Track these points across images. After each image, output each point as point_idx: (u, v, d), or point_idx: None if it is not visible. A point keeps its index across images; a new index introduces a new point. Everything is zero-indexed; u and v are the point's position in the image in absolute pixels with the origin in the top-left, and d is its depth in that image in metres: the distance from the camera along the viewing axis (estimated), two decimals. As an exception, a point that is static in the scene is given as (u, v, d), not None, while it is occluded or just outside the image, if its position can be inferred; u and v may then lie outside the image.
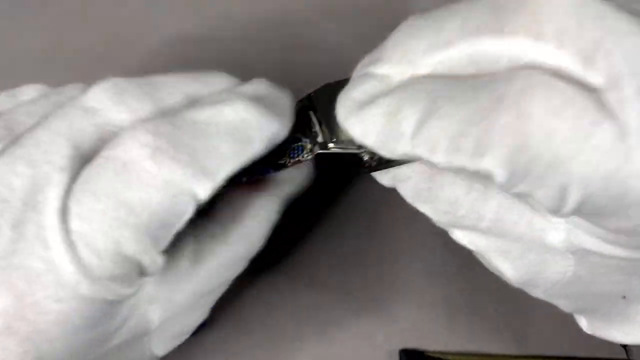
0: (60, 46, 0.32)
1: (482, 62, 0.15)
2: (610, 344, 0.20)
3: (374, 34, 0.32)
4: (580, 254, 0.17)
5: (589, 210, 0.14)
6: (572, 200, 0.14)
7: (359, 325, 0.28)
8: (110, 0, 0.32)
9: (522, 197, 0.16)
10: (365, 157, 0.19)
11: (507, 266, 0.18)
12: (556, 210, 0.15)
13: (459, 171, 0.15)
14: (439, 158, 0.15)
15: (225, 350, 0.27)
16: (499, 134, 0.14)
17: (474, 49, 0.15)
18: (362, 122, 0.16)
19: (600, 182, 0.13)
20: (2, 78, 0.31)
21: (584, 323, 0.20)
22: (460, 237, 0.19)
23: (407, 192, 0.19)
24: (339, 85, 0.18)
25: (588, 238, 0.16)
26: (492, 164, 0.14)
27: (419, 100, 0.15)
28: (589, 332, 0.20)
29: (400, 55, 0.17)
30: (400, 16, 0.32)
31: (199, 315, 0.21)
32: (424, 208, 0.19)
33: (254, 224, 0.20)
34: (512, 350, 0.27)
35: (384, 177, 0.20)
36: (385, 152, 0.16)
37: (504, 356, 0.27)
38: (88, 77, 0.32)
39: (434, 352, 0.27)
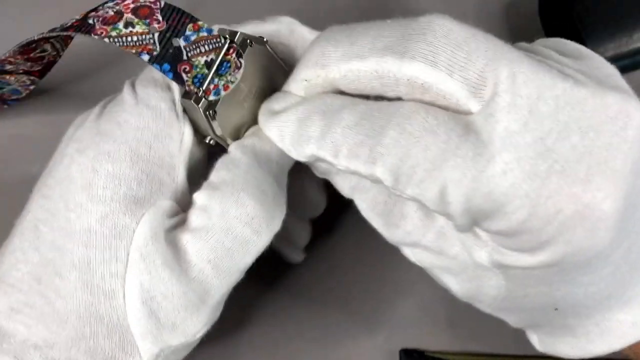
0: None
1: (385, 79, 0.17)
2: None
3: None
4: (503, 269, 0.18)
5: (474, 213, 0.17)
6: (453, 201, 0.16)
7: (359, 325, 0.28)
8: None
9: (414, 201, 0.18)
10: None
11: (452, 281, 0.20)
12: (444, 212, 0.17)
13: (354, 174, 0.18)
14: (340, 162, 0.18)
15: (226, 351, 0.27)
16: (387, 147, 0.17)
17: (380, 66, 0.17)
18: (278, 126, 0.19)
19: (470, 183, 0.16)
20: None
21: (535, 340, 0.21)
22: (409, 254, 0.20)
23: (363, 204, 0.21)
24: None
25: (503, 252, 0.18)
26: (381, 170, 0.17)
27: (325, 110, 0.18)
28: (540, 349, 0.21)
29: (316, 59, 0.19)
30: (400, 15, 0.32)
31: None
32: (376, 222, 0.20)
33: None
34: (512, 350, 0.27)
35: (344, 187, 0.21)
36: (296, 155, 0.19)
37: (503, 356, 0.27)
38: (88, 76, 0.32)
39: (434, 351, 0.27)
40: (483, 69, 0.16)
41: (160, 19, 0.19)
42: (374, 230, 0.22)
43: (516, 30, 0.31)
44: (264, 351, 0.28)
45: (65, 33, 0.20)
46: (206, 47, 0.20)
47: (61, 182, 0.19)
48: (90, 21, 0.19)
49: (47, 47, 0.24)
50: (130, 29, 0.19)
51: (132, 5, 0.19)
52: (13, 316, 0.18)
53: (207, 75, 0.19)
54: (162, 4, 0.19)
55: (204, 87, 0.19)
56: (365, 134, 0.17)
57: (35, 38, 0.22)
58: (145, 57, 0.18)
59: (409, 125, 0.17)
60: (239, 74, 0.20)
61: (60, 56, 0.27)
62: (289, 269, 0.28)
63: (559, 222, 0.16)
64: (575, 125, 0.16)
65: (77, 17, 0.20)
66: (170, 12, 0.19)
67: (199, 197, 0.19)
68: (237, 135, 0.21)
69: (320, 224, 0.28)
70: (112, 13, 0.19)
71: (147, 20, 0.19)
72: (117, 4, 0.19)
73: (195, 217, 0.19)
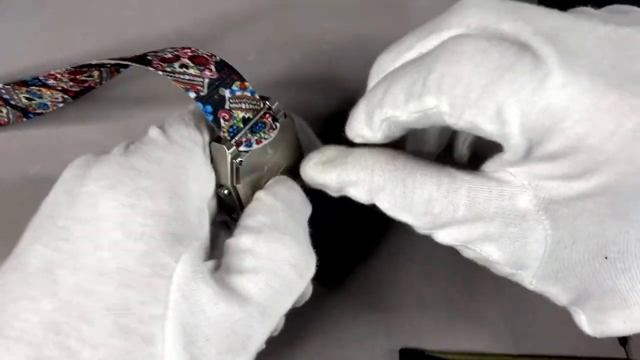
0: (61, 46, 0.32)
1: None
2: (609, 344, 0.20)
3: (374, 34, 0.32)
4: (551, 210, 0.18)
5: (532, 132, 0.16)
6: (510, 118, 0.16)
7: (359, 325, 0.28)
8: (111, 1, 0.32)
9: (472, 131, 0.18)
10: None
11: (493, 249, 0.19)
12: (502, 134, 0.17)
13: (419, 122, 0.19)
14: (399, 109, 0.18)
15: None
16: (439, 72, 0.17)
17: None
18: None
19: (528, 97, 0.16)
20: (3, 77, 0.31)
21: (584, 322, 0.20)
22: (444, 237, 0.20)
23: (385, 203, 0.20)
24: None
25: (550, 183, 0.17)
26: (434, 98, 0.17)
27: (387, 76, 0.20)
28: (590, 332, 0.19)
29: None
30: (400, 16, 0.32)
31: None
32: (403, 216, 0.20)
33: None
34: (512, 350, 0.27)
35: (361, 194, 0.20)
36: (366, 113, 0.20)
37: (503, 355, 0.27)
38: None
39: (433, 351, 0.27)
40: (500, 19, 0.17)
41: (213, 69, 0.20)
42: (374, 230, 0.22)
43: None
44: (263, 351, 0.28)
45: (123, 62, 0.20)
46: (246, 105, 0.21)
47: (85, 221, 0.17)
48: (149, 57, 0.20)
49: (95, 73, 0.25)
50: (184, 69, 0.20)
51: (190, 54, 0.21)
52: None
53: (241, 129, 0.21)
54: (218, 58, 0.21)
55: (236, 138, 0.20)
56: (417, 75, 0.18)
57: (93, 63, 0.22)
58: (192, 95, 0.19)
59: (459, 47, 0.17)
60: (273, 134, 0.21)
61: (101, 84, 0.27)
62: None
63: (619, 137, 0.15)
64: (624, 53, 0.16)
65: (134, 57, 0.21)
66: (222, 66, 0.21)
67: (241, 240, 0.19)
68: (249, 192, 0.22)
69: (320, 224, 0.28)
70: (170, 55, 0.20)
71: (201, 67, 0.20)
72: (176, 49, 0.21)
73: (239, 259, 0.19)
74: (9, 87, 0.27)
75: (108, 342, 0.16)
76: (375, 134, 0.20)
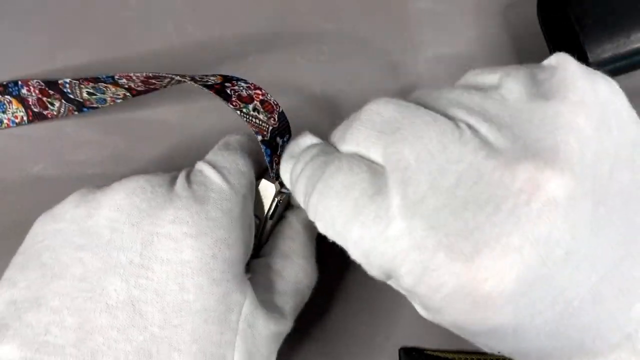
0: (61, 46, 0.32)
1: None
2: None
3: (374, 34, 0.32)
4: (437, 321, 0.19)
5: (380, 271, 0.18)
6: (355, 256, 0.19)
7: (359, 325, 0.28)
8: (111, 1, 0.33)
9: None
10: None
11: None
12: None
13: None
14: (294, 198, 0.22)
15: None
16: (314, 201, 0.19)
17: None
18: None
19: (369, 242, 0.18)
20: (4, 78, 0.31)
21: None
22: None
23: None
24: None
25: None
26: (312, 218, 0.20)
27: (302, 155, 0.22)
28: None
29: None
30: (400, 17, 0.32)
31: None
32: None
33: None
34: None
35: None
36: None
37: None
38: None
39: (433, 350, 0.27)
40: (384, 151, 0.18)
41: (276, 119, 0.24)
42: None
43: (515, 32, 0.31)
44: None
45: (207, 90, 0.23)
46: None
47: (166, 262, 0.19)
48: (228, 91, 0.23)
49: (166, 81, 0.26)
50: (256, 113, 0.23)
51: (261, 97, 0.23)
52: None
53: None
54: (280, 109, 0.24)
55: (279, 180, 0.24)
56: (309, 182, 0.20)
57: (173, 75, 0.24)
58: (259, 137, 0.22)
59: (331, 179, 0.19)
60: None
61: (164, 87, 0.27)
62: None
63: (443, 295, 0.17)
64: (473, 200, 0.16)
65: (213, 78, 0.23)
66: (282, 118, 0.24)
67: (274, 262, 0.23)
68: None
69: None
70: (246, 94, 0.23)
71: (269, 115, 0.23)
72: (249, 88, 0.23)
73: (271, 280, 0.23)
74: (76, 82, 0.27)
75: None
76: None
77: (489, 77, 0.19)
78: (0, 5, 0.33)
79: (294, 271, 0.23)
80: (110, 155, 0.30)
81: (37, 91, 0.29)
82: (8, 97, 0.30)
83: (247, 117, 0.23)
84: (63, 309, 0.19)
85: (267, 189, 0.24)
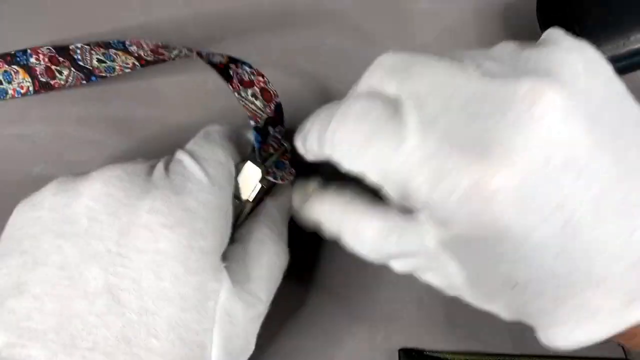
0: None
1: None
2: (608, 344, 0.20)
3: (374, 34, 0.32)
4: (450, 249, 0.19)
5: (396, 189, 0.19)
6: (373, 176, 0.20)
7: (359, 325, 0.28)
8: (111, 1, 0.33)
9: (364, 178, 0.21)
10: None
11: (430, 278, 0.22)
12: (380, 187, 0.20)
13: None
14: (316, 152, 0.23)
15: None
16: (331, 131, 0.21)
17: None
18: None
19: (385, 160, 0.19)
20: (3, 78, 0.31)
21: (541, 337, 0.21)
22: (394, 266, 0.22)
23: (346, 242, 0.23)
24: None
25: (436, 228, 0.19)
26: (329, 151, 0.21)
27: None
28: (548, 345, 0.20)
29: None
30: (400, 18, 0.32)
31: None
32: (359, 251, 0.22)
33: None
34: (511, 349, 0.27)
35: (328, 234, 0.23)
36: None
37: (502, 355, 0.27)
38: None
39: (433, 351, 0.27)
40: (398, 84, 0.20)
41: (273, 108, 0.24)
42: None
43: (515, 31, 0.31)
44: (263, 350, 0.28)
45: (210, 66, 0.23)
46: (275, 144, 0.26)
47: (143, 252, 0.20)
48: (230, 72, 0.24)
49: (174, 52, 0.26)
50: (253, 99, 0.24)
51: (262, 84, 0.24)
52: None
53: (271, 161, 0.25)
54: (278, 100, 0.24)
55: (266, 164, 0.24)
56: (326, 120, 0.21)
57: (182, 48, 0.25)
58: (252, 123, 0.23)
59: (348, 108, 0.20)
60: (291, 178, 0.25)
61: (172, 60, 0.28)
62: (288, 269, 0.28)
63: (457, 197, 0.17)
64: (483, 113, 0.18)
65: (220, 56, 0.24)
66: (278, 109, 0.25)
67: (250, 248, 0.24)
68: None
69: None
70: (247, 79, 0.24)
71: (265, 103, 0.24)
72: (253, 73, 0.24)
73: (246, 265, 0.23)
74: (87, 46, 0.27)
75: (173, 351, 0.20)
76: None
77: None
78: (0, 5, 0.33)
79: (269, 257, 0.24)
80: (110, 155, 0.30)
81: (46, 59, 0.30)
82: (15, 66, 0.30)
83: (244, 101, 0.23)
84: (43, 295, 0.19)
85: (251, 172, 0.24)
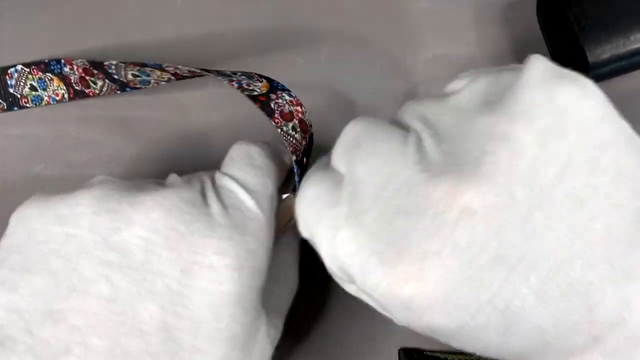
0: (61, 46, 0.32)
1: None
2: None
3: (374, 34, 0.32)
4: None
5: (340, 272, 0.20)
6: (323, 256, 0.20)
7: (359, 324, 0.28)
8: (110, 1, 0.33)
9: None
10: None
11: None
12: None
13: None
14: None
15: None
16: (297, 204, 0.21)
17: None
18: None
19: (328, 246, 0.19)
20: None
21: None
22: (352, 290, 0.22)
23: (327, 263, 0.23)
24: None
25: None
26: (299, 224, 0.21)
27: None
28: None
29: None
30: (400, 18, 0.32)
31: None
32: (339, 279, 0.23)
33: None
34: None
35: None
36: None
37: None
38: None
39: (433, 350, 0.27)
40: (345, 166, 0.20)
41: (308, 140, 0.24)
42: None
43: (515, 32, 0.31)
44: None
45: (251, 101, 0.24)
46: None
47: (205, 292, 0.19)
48: (272, 105, 0.24)
49: (212, 76, 0.26)
50: (293, 132, 0.24)
51: (300, 115, 0.24)
52: None
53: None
54: (312, 130, 0.25)
55: (299, 157, 0.24)
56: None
57: (224, 80, 0.25)
58: (294, 157, 0.23)
59: (306, 191, 0.21)
60: None
61: (209, 74, 0.27)
62: (289, 269, 0.28)
63: (380, 296, 0.18)
64: (405, 210, 0.17)
65: (260, 84, 0.24)
66: (311, 139, 0.25)
67: (271, 273, 0.23)
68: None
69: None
70: (287, 111, 0.24)
71: (304, 135, 0.24)
72: (292, 103, 0.24)
73: (270, 291, 0.23)
74: (122, 64, 0.27)
75: None
76: None
77: (461, 83, 0.20)
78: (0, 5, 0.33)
79: (289, 281, 0.24)
80: (110, 155, 0.30)
81: (80, 70, 0.30)
82: (50, 74, 0.31)
83: (287, 136, 0.23)
84: (87, 328, 0.18)
85: (292, 203, 0.24)
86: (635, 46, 0.26)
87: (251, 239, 0.21)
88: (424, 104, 0.20)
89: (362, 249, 0.18)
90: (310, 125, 0.24)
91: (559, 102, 0.17)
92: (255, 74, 0.25)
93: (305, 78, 0.31)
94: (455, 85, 0.20)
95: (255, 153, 0.23)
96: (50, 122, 0.31)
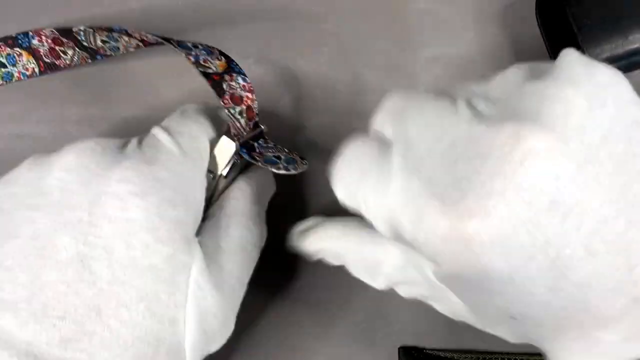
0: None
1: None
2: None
3: (374, 34, 0.32)
4: (448, 282, 0.20)
5: (387, 226, 0.20)
6: (369, 216, 0.20)
7: (359, 324, 0.28)
8: (111, 2, 0.33)
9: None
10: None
11: (435, 304, 0.23)
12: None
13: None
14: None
15: (226, 350, 0.27)
16: (334, 168, 0.22)
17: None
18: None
19: (376, 200, 0.20)
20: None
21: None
22: (401, 292, 0.23)
23: (349, 267, 0.24)
24: None
25: (429, 261, 0.20)
26: (334, 186, 0.22)
27: None
28: None
29: None
30: (400, 16, 0.32)
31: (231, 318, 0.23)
32: (363, 278, 0.24)
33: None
34: (511, 348, 0.27)
35: (330, 260, 0.24)
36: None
37: (503, 353, 0.27)
38: (88, 75, 0.32)
39: (433, 349, 0.27)
40: (392, 127, 0.21)
41: (252, 126, 0.25)
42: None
43: (514, 32, 0.31)
44: (263, 350, 0.28)
45: (204, 78, 0.24)
46: (272, 150, 0.26)
47: (113, 220, 0.20)
48: (224, 86, 0.24)
49: (172, 47, 0.26)
50: (239, 117, 0.24)
51: (249, 102, 0.25)
52: (71, 345, 0.19)
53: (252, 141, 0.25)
54: (257, 120, 0.25)
55: (240, 142, 0.24)
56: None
57: (182, 51, 0.25)
58: (235, 142, 0.24)
59: (346, 149, 0.21)
60: (302, 168, 0.26)
61: (168, 43, 0.27)
62: (288, 268, 0.28)
63: (434, 240, 0.18)
64: (465, 157, 0.18)
65: (218, 62, 0.25)
66: (257, 125, 0.25)
67: (221, 222, 0.23)
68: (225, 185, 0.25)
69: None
70: (238, 95, 0.24)
71: (248, 121, 0.25)
72: (244, 88, 0.25)
73: (218, 239, 0.23)
74: (91, 29, 0.28)
75: (143, 323, 0.20)
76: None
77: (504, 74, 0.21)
78: (1, 5, 0.33)
79: (239, 230, 0.23)
80: (111, 155, 0.30)
81: (49, 40, 0.29)
82: (18, 49, 0.30)
83: (232, 117, 0.24)
84: (15, 266, 0.20)
85: (227, 147, 0.24)
86: (634, 46, 0.26)
87: (160, 168, 0.21)
88: (469, 83, 0.21)
89: (420, 194, 0.18)
90: (257, 114, 0.25)
91: (599, 79, 0.18)
92: (217, 49, 0.25)
93: (305, 78, 0.31)
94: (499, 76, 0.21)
95: (189, 107, 0.25)
96: (50, 122, 0.31)
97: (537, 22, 0.31)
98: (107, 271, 0.20)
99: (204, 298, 0.21)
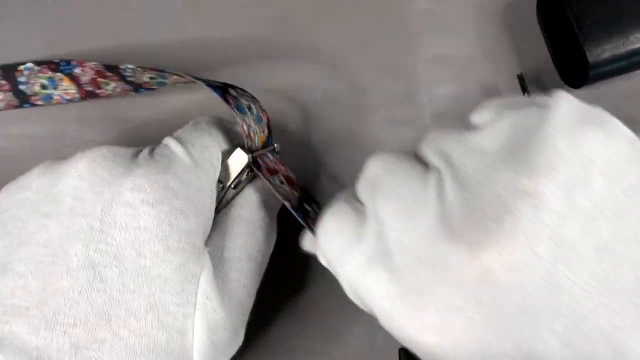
0: (61, 47, 0.32)
1: None
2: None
3: (374, 34, 0.32)
4: None
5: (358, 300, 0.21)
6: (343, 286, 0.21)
7: (359, 324, 0.28)
8: (111, 2, 0.33)
9: None
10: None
11: None
12: None
13: None
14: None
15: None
16: (318, 236, 0.22)
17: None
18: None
19: (354, 277, 0.20)
20: (3, 78, 0.31)
21: None
22: None
23: (344, 285, 0.23)
24: None
25: None
26: (320, 253, 0.22)
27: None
28: None
29: None
30: (400, 18, 0.32)
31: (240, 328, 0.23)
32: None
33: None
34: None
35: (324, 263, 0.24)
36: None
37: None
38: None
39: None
40: (367, 202, 0.21)
41: (299, 190, 0.26)
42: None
43: (515, 32, 0.31)
44: (264, 349, 0.28)
45: (248, 152, 0.24)
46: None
47: (125, 229, 0.20)
48: (260, 162, 0.24)
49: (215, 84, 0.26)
50: (282, 185, 0.25)
51: (285, 173, 0.26)
52: (81, 352, 0.19)
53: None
54: (301, 185, 0.26)
55: (254, 154, 0.24)
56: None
57: (221, 89, 0.25)
58: (288, 204, 0.24)
59: (327, 223, 0.21)
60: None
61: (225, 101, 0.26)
62: (289, 268, 0.28)
63: (407, 339, 0.19)
64: (428, 260, 0.18)
65: (257, 137, 0.25)
66: (305, 190, 0.26)
67: (224, 229, 0.23)
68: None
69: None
70: (272, 167, 0.25)
71: (292, 187, 0.25)
72: (276, 162, 0.25)
73: (222, 247, 0.23)
74: (139, 69, 0.28)
75: (151, 333, 0.20)
76: None
77: (485, 115, 0.20)
78: (0, 5, 0.33)
79: (243, 238, 0.23)
80: (110, 156, 0.30)
81: (93, 72, 0.29)
82: (59, 74, 0.30)
83: (275, 187, 0.24)
84: (27, 273, 0.20)
85: (239, 158, 0.24)
86: (635, 46, 0.26)
87: (172, 178, 0.21)
88: (446, 138, 0.20)
89: (389, 293, 0.18)
90: (296, 179, 0.26)
91: (584, 150, 0.17)
92: (266, 125, 0.26)
93: (305, 79, 0.31)
94: (479, 116, 0.20)
95: (202, 120, 0.25)
96: (50, 122, 0.31)
97: (538, 22, 0.31)
98: (117, 279, 0.20)
99: (213, 309, 0.21)
